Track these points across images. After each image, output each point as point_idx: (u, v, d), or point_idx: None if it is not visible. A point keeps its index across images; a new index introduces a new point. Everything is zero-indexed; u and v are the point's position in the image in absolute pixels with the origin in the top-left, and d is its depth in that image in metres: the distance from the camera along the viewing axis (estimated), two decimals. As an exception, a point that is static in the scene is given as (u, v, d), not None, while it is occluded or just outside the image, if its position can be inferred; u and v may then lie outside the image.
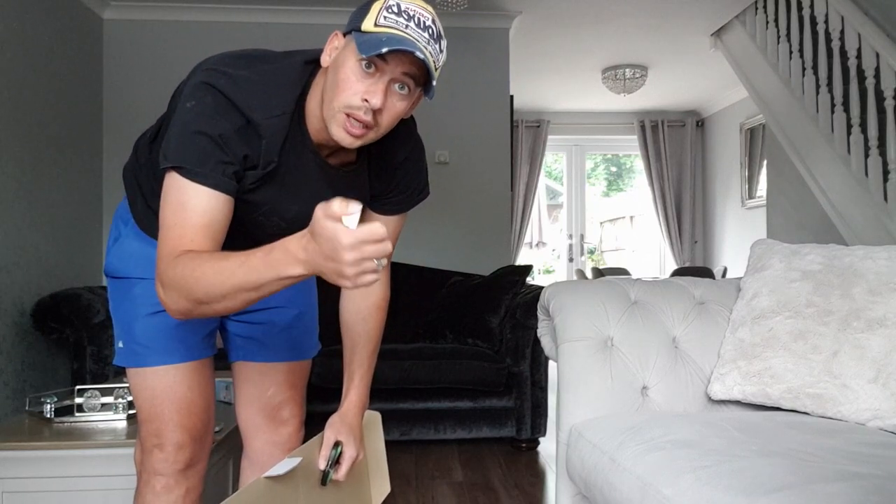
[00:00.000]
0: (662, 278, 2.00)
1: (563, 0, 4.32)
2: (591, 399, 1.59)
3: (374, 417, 1.51)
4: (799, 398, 1.45)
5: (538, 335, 1.84)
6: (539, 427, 3.28)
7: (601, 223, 8.80)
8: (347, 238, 0.84)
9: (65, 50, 3.76)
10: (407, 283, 3.95)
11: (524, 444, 3.28)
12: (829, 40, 3.80)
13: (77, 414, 2.06)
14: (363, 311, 1.43)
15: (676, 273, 6.16)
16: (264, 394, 1.49)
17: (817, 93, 3.76)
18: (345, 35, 1.11)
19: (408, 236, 4.41)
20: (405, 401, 3.20)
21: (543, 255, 8.72)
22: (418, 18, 1.06)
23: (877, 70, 3.43)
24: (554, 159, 8.07)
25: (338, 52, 1.10)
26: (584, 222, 7.49)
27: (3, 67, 3.18)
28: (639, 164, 7.47)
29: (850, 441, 1.23)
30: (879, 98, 3.47)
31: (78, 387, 2.14)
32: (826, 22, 3.78)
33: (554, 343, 1.74)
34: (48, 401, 2.09)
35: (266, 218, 1.23)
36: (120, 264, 1.36)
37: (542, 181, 7.61)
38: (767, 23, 4.21)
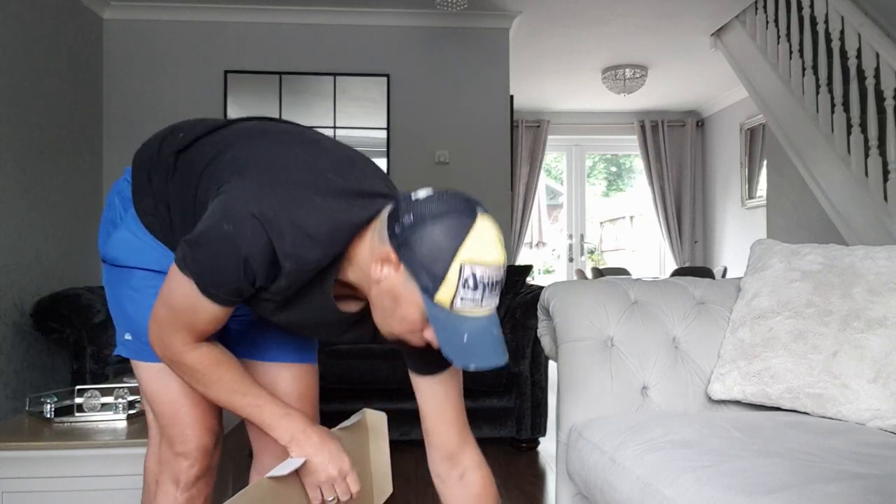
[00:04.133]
0: (662, 278, 2.00)
1: (563, 0, 4.32)
2: (591, 399, 1.59)
3: (380, 418, 1.51)
4: (799, 398, 1.45)
5: (538, 335, 1.84)
6: (539, 427, 3.28)
7: (601, 223, 8.80)
8: (335, 471, 1.15)
9: (65, 50, 3.76)
10: (407, 283, 3.94)
11: (524, 444, 3.28)
12: (829, 40, 3.80)
13: (77, 414, 2.06)
14: None
15: (676, 273, 6.16)
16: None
17: (817, 93, 3.76)
18: (401, 262, 1.01)
19: (408, 236, 4.41)
20: (405, 401, 3.19)
21: (543, 255, 8.72)
22: (489, 279, 0.99)
23: (877, 70, 3.43)
24: (554, 159, 8.07)
25: (395, 284, 1.02)
26: (584, 222, 7.49)
27: (3, 67, 3.18)
28: (639, 163, 7.47)
29: (850, 441, 1.23)
30: (879, 98, 3.47)
31: (78, 387, 2.14)
32: (826, 22, 3.78)
33: (554, 343, 1.74)
34: (48, 401, 2.09)
35: (269, 315, 1.23)
36: (117, 254, 1.32)
37: (542, 181, 7.61)
38: (767, 23, 4.21)
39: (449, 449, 1.26)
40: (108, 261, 1.34)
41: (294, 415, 1.18)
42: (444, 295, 0.98)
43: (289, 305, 1.16)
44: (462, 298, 0.98)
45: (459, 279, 0.97)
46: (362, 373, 3.10)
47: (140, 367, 1.33)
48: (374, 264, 1.04)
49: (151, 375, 1.32)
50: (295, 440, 1.15)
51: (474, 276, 0.98)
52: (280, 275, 1.08)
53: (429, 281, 0.98)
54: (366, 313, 1.17)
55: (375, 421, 1.43)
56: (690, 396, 1.61)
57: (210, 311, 1.12)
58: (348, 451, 1.20)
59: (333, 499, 1.17)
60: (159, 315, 1.15)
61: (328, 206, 1.08)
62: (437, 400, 1.25)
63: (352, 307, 1.19)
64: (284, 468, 1.13)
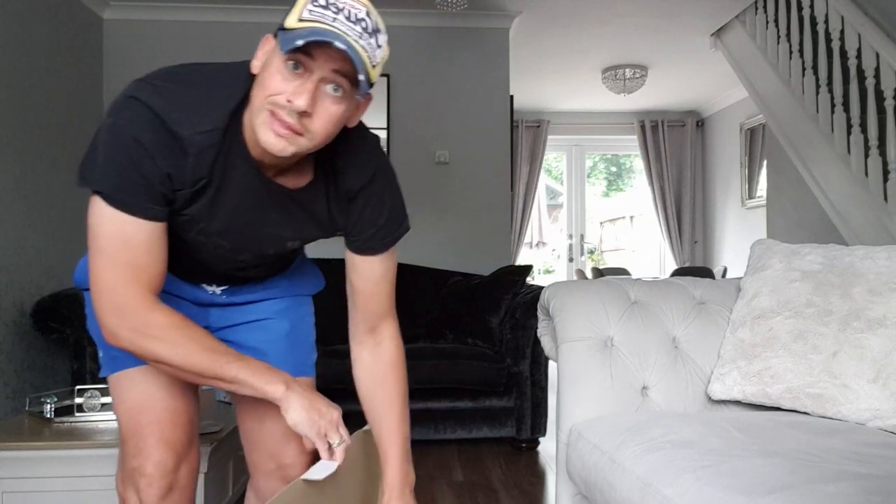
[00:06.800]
0: (662, 278, 2.00)
1: (563, 0, 4.32)
2: (591, 399, 1.58)
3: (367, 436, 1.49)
4: (799, 398, 1.45)
5: (538, 335, 1.84)
6: (539, 427, 3.28)
7: (601, 223, 8.80)
8: (336, 413, 1.14)
9: (65, 50, 3.76)
10: (407, 283, 3.95)
11: (524, 444, 3.28)
12: (829, 40, 3.80)
13: (77, 414, 2.06)
14: (378, 374, 1.29)
15: (676, 273, 6.16)
16: (268, 434, 1.36)
17: (817, 93, 3.76)
18: (275, 37, 1.02)
19: (408, 236, 4.41)
20: (405, 401, 3.20)
21: (543, 255, 8.72)
22: (349, 11, 0.96)
23: (877, 70, 3.43)
24: (554, 159, 8.07)
25: (266, 57, 1.02)
26: (584, 222, 7.49)
27: (2, 67, 3.18)
28: (639, 163, 7.47)
29: (850, 441, 1.23)
30: (879, 98, 3.47)
31: (78, 387, 2.14)
32: (826, 22, 3.78)
33: (554, 343, 1.74)
34: (48, 401, 2.09)
35: (205, 237, 1.16)
36: (83, 276, 1.24)
37: (542, 181, 7.61)
38: (767, 23, 4.21)
39: (372, 323, 1.29)
40: (80, 286, 1.30)
41: (278, 369, 1.14)
42: (292, 17, 0.97)
43: (220, 197, 1.09)
44: (310, 10, 0.96)
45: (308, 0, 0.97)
46: (362, 373, 3.09)
47: (110, 382, 1.28)
48: (254, 60, 1.04)
49: (112, 383, 1.25)
50: (291, 389, 1.10)
51: None
52: (185, 150, 1.02)
53: (283, 19, 0.99)
54: (312, 193, 1.15)
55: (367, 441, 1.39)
56: (690, 396, 1.61)
57: (140, 234, 1.03)
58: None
59: (340, 441, 1.13)
60: (101, 279, 1.04)
61: (210, 70, 1.09)
62: (374, 280, 1.26)
63: (289, 182, 1.13)
64: (319, 472, 1.10)
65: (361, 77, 0.97)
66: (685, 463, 1.13)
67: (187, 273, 1.29)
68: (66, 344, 3.33)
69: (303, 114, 0.98)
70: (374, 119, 4.43)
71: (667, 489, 1.10)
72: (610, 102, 6.67)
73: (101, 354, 1.28)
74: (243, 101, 1.06)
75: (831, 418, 1.42)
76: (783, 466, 1.07)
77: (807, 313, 1.49)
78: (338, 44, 0.93)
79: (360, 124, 1.18)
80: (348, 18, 0.96)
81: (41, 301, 3.14)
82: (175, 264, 1.18)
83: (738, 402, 1.58)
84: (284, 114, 0.98)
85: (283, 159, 1.05)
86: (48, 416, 2.07)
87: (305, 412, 1.10)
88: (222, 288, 1.34)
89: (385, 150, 4.41)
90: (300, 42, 0.92)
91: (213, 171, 1.06)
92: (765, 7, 4.25)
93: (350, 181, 1.17)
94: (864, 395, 1.38)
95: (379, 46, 1.00)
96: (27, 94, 3.38)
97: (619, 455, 1.28)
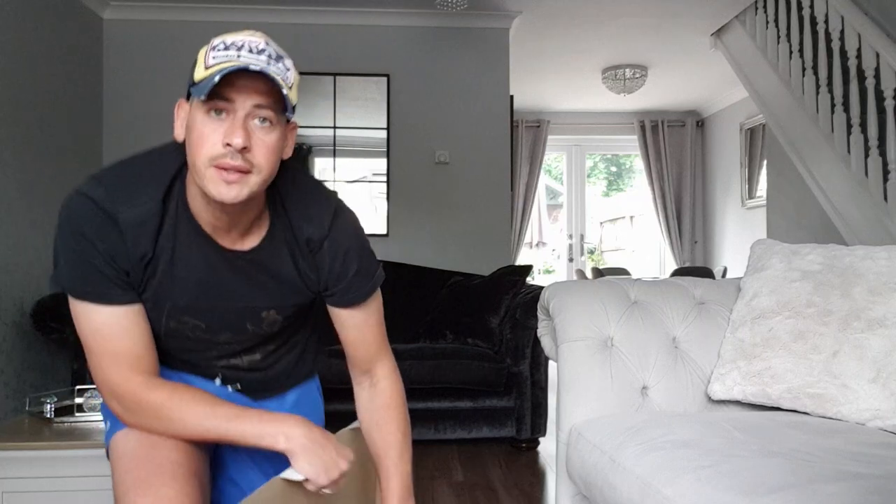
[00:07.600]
0: (662, 278, 2.00)
1: (563, 0, 4.32)
2: (591, 399, 1.58)
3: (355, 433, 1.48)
4: (799, 398, 1.45)
5: (538, 335, 1.84)
6: (539, 427, 3.28)
7: (601, 223, 8.80)
8: (345, 464, 1.10)
9: (65, 50, 3.76)
10: (407, 283, 3.95)
11: (524, 444, 3.28)
12: (829, 40, 3.80)
13: (77, 414, 2.06)
14: (375, 416, 1.30)
15: (676, 273, 6.16)
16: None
17: (817, 93, 3.76)
18: (187, 99, 1.05)
19: (408, 236, 4.42)
20: (407, 401, 3.20)
21: (543, 255, 8.72)
22: (249, 46, 1.01)
23: (877, 70, 3.43)
24: (554, 159, 8.07)
25: (187, 118, 1.04)
26: (585, 222, 7.49)
27: (2, 68, 3.18)
28: (639, 163, 7.47)
29: (850, 441, 1.23)
30: (879, 98, 3.47)
31: (78, 387, 2.14)
32: (826, 22, 3.78)
33: (554, 343, 1.74)
34: (48, 401, 2.10)
35: (177, 320, 1.15)
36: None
37: (542, 181, 7.61)
38: (767, 23, 4.21)
39: (366, 367, 1.31)
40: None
41: (275, 413, 1.13)
42: (199, 69, 1.01)
43: (173, 271, 1.10)
44: (213, 56, 1.00)
45: (208, 49, 1.01)
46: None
47: (109, 446, 1.22)
48: (175, 129, 1.07)
49: (112, 447, 1.19)
50: (292, 441, 1.07)
51: (224, 42, 1.01)
52: (122, 230, 1.05)
53: (190, 77, 1.03)
54: (270, 251, 1.15)
55: (355, 440, 1.39)
56: (690, 396, 1.61)
57: (109, 320, 1.08)
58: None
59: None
60: (93, 370, 1.11)
61: (149, 152, 1.13)
62: (358, 328, 1.27)
63: (245, 245, 1.14)
64: (297, 473, 1.10)
65: (286, 91, 0.99)
66: (685, 463, 1.13)
67: (185, 368, 1.27)
68: (66, 344, 3.33)
69: (243, 150, 0.99)
70: (375, 119, 4.44)
71: (667, 489, 1.10)
72: (610, 102, 6.67)
73: (106, 427, 1.25)
74: (180, 170, 1.09)
75: (831, 418, 1.42)
76: (783, 466, 1.07)
77: (807, 313, 1.49)
78: (252, 67, 0.96)
79: (303, 171, 1.22)
80: (251, 52, 1.00)
81: (41, 301, 3.15)
82: (173, 361, 1.22)
83: (738, 402, 1.58)
84: (228, 159, 0.99)
85: (238, 216, 1.08)
86: (48, 416, 2.07)
87: (311, 467, 1.08)
88: (231, 388, 1.30)
89: (385, 150, 4.44)
90: (217, 78, 0.95)
91: (157, 245, 1.08)
92: (765, 7, 4.25)
93: (308, 229, 1.16)
94: (864, 395, 1.38)
95: (288, 69, 1.04)
96: (27, 94, 3.38)
97: (619, 455, 1.28)
